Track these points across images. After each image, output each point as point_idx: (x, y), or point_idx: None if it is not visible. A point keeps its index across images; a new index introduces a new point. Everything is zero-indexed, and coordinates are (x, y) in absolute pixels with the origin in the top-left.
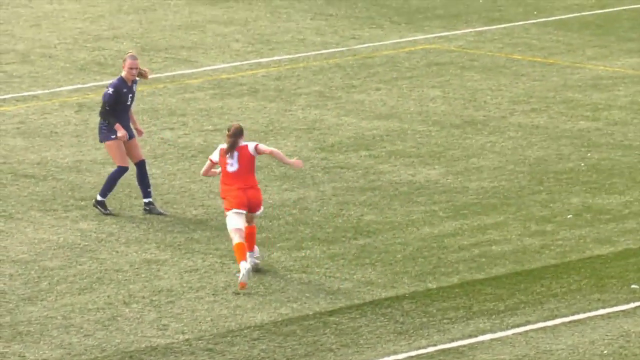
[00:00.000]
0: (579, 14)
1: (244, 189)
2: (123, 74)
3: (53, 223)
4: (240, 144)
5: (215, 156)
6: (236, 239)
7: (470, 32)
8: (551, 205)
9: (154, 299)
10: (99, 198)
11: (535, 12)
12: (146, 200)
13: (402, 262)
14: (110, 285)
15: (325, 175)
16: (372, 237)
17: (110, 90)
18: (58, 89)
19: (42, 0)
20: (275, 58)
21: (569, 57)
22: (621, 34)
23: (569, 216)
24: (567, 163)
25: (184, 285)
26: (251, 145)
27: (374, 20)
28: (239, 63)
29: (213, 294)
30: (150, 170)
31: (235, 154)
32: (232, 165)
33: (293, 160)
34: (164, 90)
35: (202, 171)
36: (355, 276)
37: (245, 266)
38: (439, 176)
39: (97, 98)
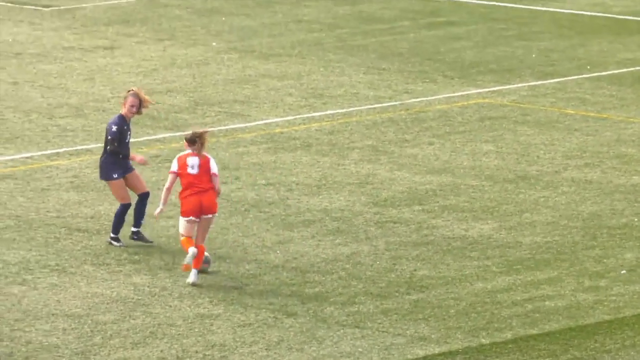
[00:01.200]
0: (632, 69)
1: (199, 192)
2: (123, 111)
3: (106, 277)
4: (202, 153)
5: (174, 167)
6: (184, 238)
7: (524, 86)
8: (605, 260)
9: (207, 353)
10: (112, 235)
11: (588, 67)
12: (134, 229)
13: (455, 317)
14: (163, 339)
15: (378, 230)
16: (425, 292)
17: (115, 128)
18: None
19: (96, 54)
20: (328, 112)
21: (623, 112)
22: None
23: (622, 272)
24: (621, 218)
25: (237, 340)
26: (213, 165)
27: (427, 74)
28: (292, 117)
29: (266, 349)
30: None
31: (197, 159)
32: (193, 168)
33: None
34: (217, 144)
35: (165, 187)
36: (408, 331)
37: (192, 250)
38: (492, 231)
39: (151, 152)
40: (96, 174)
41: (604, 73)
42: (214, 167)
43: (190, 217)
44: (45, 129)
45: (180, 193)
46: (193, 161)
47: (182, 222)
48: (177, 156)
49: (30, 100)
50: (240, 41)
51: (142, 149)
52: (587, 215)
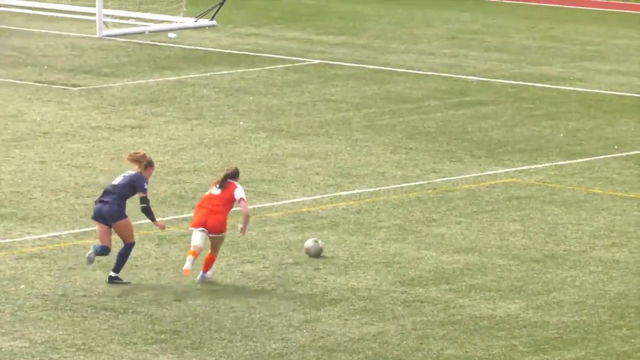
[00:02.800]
0: None
1: (209, 212)
2: (142, 172)
3: (133, 357)
4: (230, 182)
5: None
6: (191, 247)
7: (551, 166)
8: (632, 340)
9: None
10: (112, 274)
11: (616, 147)
12: (112, 274)
13: None
14: None
15: (405, 309)
16: None
17: (147, 186)
18: (138, 222)
19: (124, 134)
20: (355, 191)
21: None
22: None
23: None
24: None
25: None
26: (238, 192)
27: (455, 153)
28: (319, 196)
29: None
30: (231, 303)
31: (223, 186)
32: (215, 191)
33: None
34: None
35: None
36: None
37: (190, 258)
38: (519, 310)
39: (178, 231)
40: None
41: (631, 153)
42: (238, 194)
43: (196, 229)
44: (72, 208)
45: (197, 205)
46: (218, 187)
47: (193, 233)
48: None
49: (58, 179)
50: (268, 120)
51: (170, 227)
52: (615, 295)
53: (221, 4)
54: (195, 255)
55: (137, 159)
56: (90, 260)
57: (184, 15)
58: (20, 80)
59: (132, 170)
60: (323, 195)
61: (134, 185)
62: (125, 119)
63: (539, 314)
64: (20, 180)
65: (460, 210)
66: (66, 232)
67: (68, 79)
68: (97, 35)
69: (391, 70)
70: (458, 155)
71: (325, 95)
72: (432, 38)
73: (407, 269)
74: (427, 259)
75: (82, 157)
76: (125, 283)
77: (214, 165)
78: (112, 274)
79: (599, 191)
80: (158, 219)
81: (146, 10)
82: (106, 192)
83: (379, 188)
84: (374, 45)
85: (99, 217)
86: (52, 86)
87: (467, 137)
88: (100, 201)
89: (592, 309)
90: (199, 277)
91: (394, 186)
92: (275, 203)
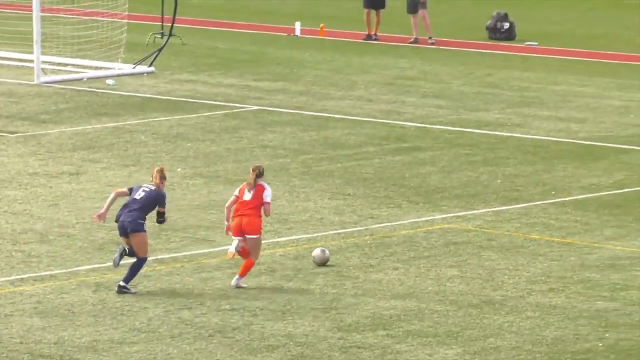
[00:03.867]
0: (597, 194)
1: (242, 215)
2: (155, 183)
3: None
4: (259, 183)
5: (237, 192)
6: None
7: (488, 211)
8: None
9: None
10: (122, 284)
11: (553, 192)
12: (122, 284)
13: None
14: None
15: (342, 355)
16: None
17: (166, 200)
18: (76, 269)
19: (61, 180)
20: (293, 237)
21: (587, 237)
22: (639, 214)
23: None
24: (585, 343)
25: None
26: (267, 194)
27: (392, 199)
28: None
29: None
30: (168, 349)
31: (253, 190)
32: (247, 196)
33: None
34: (182, 269)
35: (227, 205)
36: None
37: (235, 241)
38: (456, 356)
39: (115, 277)
40: (61, 299)
41: (568, 198)
42: (267, 197)
43: (237, 236)
44: (9, 254)
45: (233, 211)
46: (248, 192)
47: (233, 241)
48: (241, 185)
49: None
50: (206, 167)
51: (107, 274)
52: (552, 340)
53: (159, 50)
54: (232, 255)
55: (154, 177)
56: (116, 264)
57: (122, 62)
58: None
59: (147, 184)
60: None
61: (156, 202)
62: (63, 166)
63: (476, 359)
64: None
65: (398, 256)
66: (3, 279)
67: (5, 126)
68: (35, 82)
69: (329, 117)
70: (396, 201)
71: (263, 142)
72: (369, 84)
73: (344, 314)
74: (365, 304)
75: (20, 203)
76: (133, 293)
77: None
78: (122, 283)
79: (536, 237)
80: (95, 266)
81: (84, 57)
82: (127, 206)
83: (316, 234)
84: (311, 91)
85: (122, 231)
86: None
87: (404, 183)
88: (123, 215)
89: (529, 355)
90: (234, 280)
91: (331, 232)
92: (212, 249)
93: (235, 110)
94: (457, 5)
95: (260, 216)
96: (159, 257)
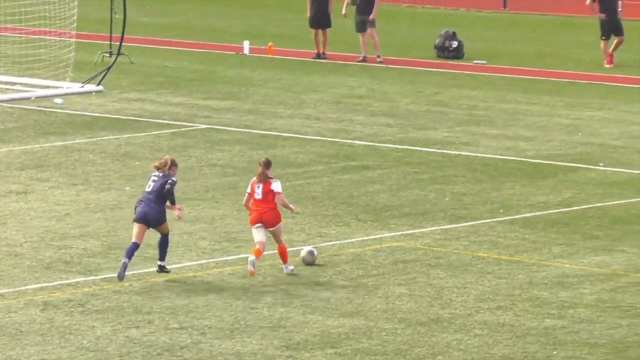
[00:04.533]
0: (545, 212)
1: (261, 212)
2: (167, 173)
3: None
4: (267, 178)
5: (249, 188)
6: (255, 245)
7: (437, 229)
8: None
9: None
10: (161, 264)
11: (501, 210)
12: (161, 263)
13: None
14: None
15: None
16: None
17: (175, 179)
18: (24, 288)
19: (9, 199)
20: (241, 256)
21: (535, 255)
22: (587, 232)
23: None
24: None
25: None
26: (275, 186)
27: (341, 218)
28: (205, 261)
29: None
30: None
31: (261, 186)
32: (258, 195)
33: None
34: (130, 288)
35: (243, 203)
36: None
37: (251, 258)
38: None
39: (63, 296)
40: (8, 318)
41: (516, 216)
42: (275, 188)
43: (255, 225)
44: None
45: (249, 208)
46: (258, 189)
47: (252, 231)
48: (251, 180)
49: None
50: None
51: (54, 293)
52: (500, 358)
53: (107, 69)
54: (260, 252)
55: (162, 167)
56: (121, 278)
57: (70, 81)
58: None
59: (156, 172)
60: (209, 260)
61: (164, 185)
62: (11, 185)
63: None
64: None
65: (346, 274)
66: None
67: None
68: None
69: (277, 135)
70: (344, 219)
71: (212, 160)
72: (318, 103)
73: (292, 333)
74: (313, 323)
75: None
76: (167, 272)
77: (99, 230)
78: (160, 263)
79: (484, 255)
80: (43, 285)
81: (32, 76)
82: (143, 200)
83: (264, 253)
84: (260, 110)
85: (143, 219)
86: None
87: (353, 201)
88: (142, 204)
89: None
90: (286, 270)
91: None
92: None
93: (184, 129)
94: (406, 24)
95: (276, 207)
96: (107, 275)
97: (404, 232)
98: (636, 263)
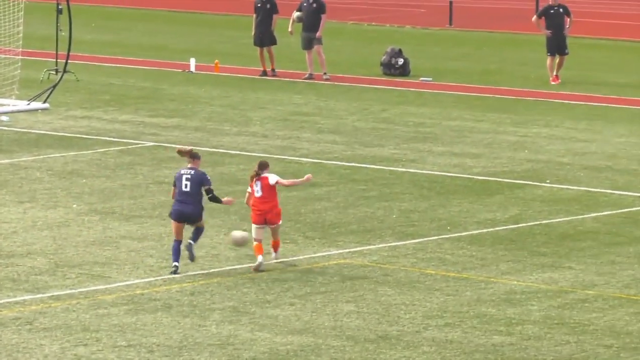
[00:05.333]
0: (492, 229)
1: (264, 213)
2: (191, 167)
3: None
4: (263, 175)
5: (249, 188)
6: (254, 242)
7: (384, 247)
8: None
9: None
10: (192, 242)
11: (448, 227)
12: (192, 242)
13: None
14: None
15: None
16: None
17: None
18: None
19: None
20: (189, 273)
21: (483, 272)
22: (534, 248)
23: None
24: None
25: None
26: (272, 179)
27: (288, 235)
28: (152, 278)
29: None
30: None
31: (259, 182)
32: (257, 192)
33: (304, 178)
34: (77, 306)
35: (245, 201)
36: None
37: (259, 259)
38: None
39: (10, 314)
40: None
41: (464, 233)
42: (272, 180)
43: (257, 225)
44: None
45: (251, 207)
46: (256, 186)
47: (253, 228)
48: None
49: None
50: (101, 203)
51: (2, 311)
52: None
53: (54, 86)
54: (261, 249)
55: (185, 153)
56: (192, 257)
57: (16, 98)
58: None
59: (184, 169)
60: (157, 278)
61: (201, 183)
62: None
63: None
64: None
65: (294, 292)
66: None
67: None
68: None
69: (224, 152)
70: (291, 236)
71: (159, 178)
72: (264, 120)
73: (241, 350)
74: (261, 340)
75: None
76: (194, 256)
77: (46, 247)
78: (193, 242)
79: (432, 272)
80: None
81: None
82: (179, 200)
83: (212, 270)
84: (206, 127)
85: (182, 217)
86: None
87: (300, 218)
88: (181, 204)
89: None
90: (272, 257)
91: (227, 267)
92: (108, 285)
93: (131, 147)
94: (352, 41)
95: (277, 205)
96: (55, 293)
97: (352, 250)
98: (583, 279)
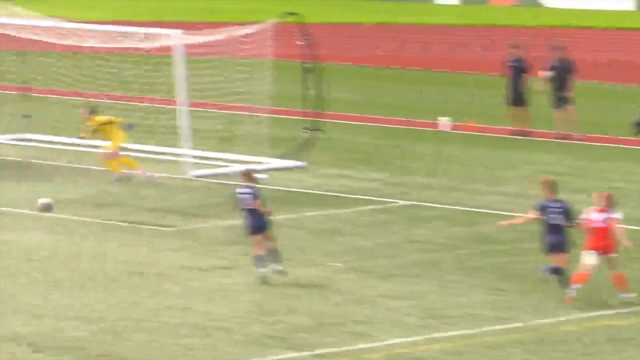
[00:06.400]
0: None
1: (601, 240)
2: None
3: None
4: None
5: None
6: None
7: None
8: None
9: None
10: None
11: None
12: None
13: None
14: None
15: None
16: None
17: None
18: None
19: (216, 273)
20: (450, 333)
21: None
22: None
23: None
24: None
25: None
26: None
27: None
28: (412, 338)
29: None
30: None
31: (601, 215)
32: (598, 223)
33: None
34: None
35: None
36: None
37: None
38: None
39: None
40: None
41: None
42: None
43: (592, 251)
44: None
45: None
46: (598, 217)
47: (585, 255)
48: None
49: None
50: (358, 261)
51: None
52: None
53: (308, 144)
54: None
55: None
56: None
57: (268, 157)
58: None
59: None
60: (417, 337)
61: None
62: (215, 260)
63: None
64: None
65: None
66: None
67: (159, 219)
68: (187, 176)
69: (478, 212)
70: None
71: (413, 236)
72: (516, 179)
73: None
74: None
75: (178, 298)
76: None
77: (306, 305)
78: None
79: None
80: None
81: (228, 151)
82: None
83: (468, 331)
84: (459, 186)
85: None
86: (145, 226)
87: None
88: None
89: None
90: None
91: (487, 328)
92: (372, 345)
93: (385, 205)
94: (600, 100)
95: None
96: (318, 351)
97: None
98: None
